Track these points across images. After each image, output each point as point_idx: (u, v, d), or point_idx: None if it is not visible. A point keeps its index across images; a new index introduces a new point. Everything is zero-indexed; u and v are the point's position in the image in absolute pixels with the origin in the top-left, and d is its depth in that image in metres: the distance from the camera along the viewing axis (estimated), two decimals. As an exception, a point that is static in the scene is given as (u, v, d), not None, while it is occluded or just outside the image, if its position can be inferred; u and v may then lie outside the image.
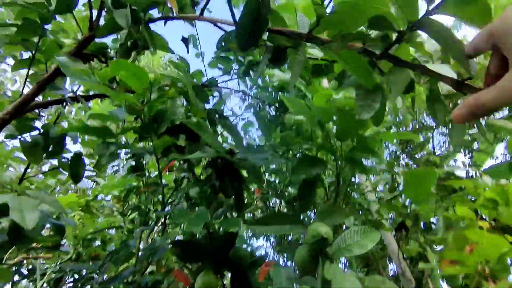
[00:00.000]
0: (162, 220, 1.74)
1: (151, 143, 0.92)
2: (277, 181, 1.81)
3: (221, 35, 1.05)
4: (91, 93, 1.39)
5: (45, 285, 2.65)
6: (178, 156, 0.84)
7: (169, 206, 1.70)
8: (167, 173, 1.82)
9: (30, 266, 2.85)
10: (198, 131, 0.81)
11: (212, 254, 0.78)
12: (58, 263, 2.38)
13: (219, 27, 1.01)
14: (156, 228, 1.97)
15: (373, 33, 0.65)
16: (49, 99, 1.31)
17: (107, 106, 1.43)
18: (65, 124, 1.67)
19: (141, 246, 1.41)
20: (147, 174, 1.76)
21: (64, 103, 1.24)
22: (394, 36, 0.58)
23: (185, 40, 1.68)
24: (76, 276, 2.92)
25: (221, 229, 0.92)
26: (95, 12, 1.18)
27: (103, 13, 1.17)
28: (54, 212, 1.24)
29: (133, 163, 1.68)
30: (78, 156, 1.42)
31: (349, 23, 0.58)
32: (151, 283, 1.10)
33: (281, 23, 0.72)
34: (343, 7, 0.55)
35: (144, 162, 1.71)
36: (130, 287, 1.03)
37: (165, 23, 1.11)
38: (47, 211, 1.15)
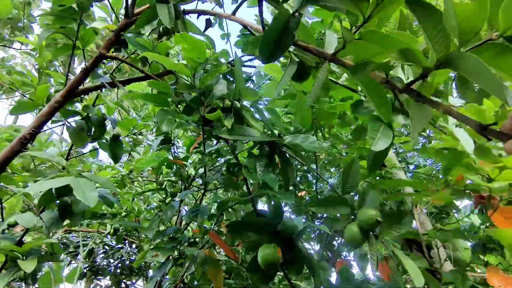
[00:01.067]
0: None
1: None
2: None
3: (248, 38, 1.06)
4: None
5: (80, 257, 2.87)
6: (227, 136, 0.90)
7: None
8: (194, 150, 1.92)
9: (65, 240, 3.06)
10: (246, 113, 0.87)
11: (263, 228, 0.87)
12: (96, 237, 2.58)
13: (249, 30, 1.03)
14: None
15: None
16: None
17: (141, 87, 1.49)
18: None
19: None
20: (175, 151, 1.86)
21: (103, 88, 1.30)
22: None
23: (208, 21, 1.70)
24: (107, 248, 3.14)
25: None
26: None
27: None
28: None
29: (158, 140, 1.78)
30: (116, 137, 1.50)
31: (375, 51, 0.57)
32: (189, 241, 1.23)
33: (310, 39, 0.71)
34: (372, 35, 0.55)
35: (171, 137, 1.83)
36: (173, 242, 1.16)
37: (198, 17, 1.14)
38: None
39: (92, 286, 3.66)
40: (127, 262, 3.20)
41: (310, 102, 0.84)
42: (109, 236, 2.90)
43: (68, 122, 1.28)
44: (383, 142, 0.64)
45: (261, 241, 0.83)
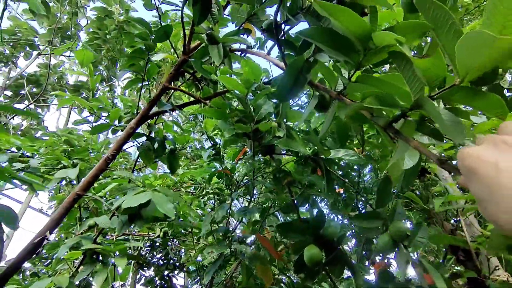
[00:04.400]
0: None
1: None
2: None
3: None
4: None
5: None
6: (283, 146, 1.07)
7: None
8: (239, 161, 2.13)
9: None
10: (292, 132, 1.06)
11: (307, 231, 1.04)
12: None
13: (280, 68, 1.20)
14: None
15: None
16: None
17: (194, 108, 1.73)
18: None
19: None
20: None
21: (165, 113, 1.53)
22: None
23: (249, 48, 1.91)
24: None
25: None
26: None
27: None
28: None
29: (212, 152, 2.02)
30: (173, 151, 1.74)
31: (365, 93, 0.66)
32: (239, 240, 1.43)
33: (330, 76, 0.82)
34: (364, 78, 0.65)
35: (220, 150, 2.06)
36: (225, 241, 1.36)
37: (241, 55, 1.34)
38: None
39: (137, 276, 4.00)
40: (171, 256, 3.50)
41: (321, 135, 0.96)
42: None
43: (138, 143, 1.53)
44: (410, 162, 0.77)
45: (306, 242, 1.00)
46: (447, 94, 0.52)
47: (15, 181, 1.26)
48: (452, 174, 0.49)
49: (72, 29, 5.53)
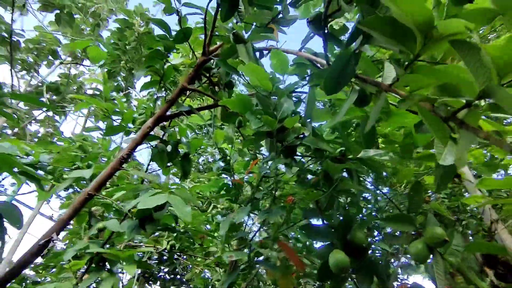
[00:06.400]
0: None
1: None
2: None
3: (314, 71, 1.22)
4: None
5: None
6: (311, 143, 1.03)
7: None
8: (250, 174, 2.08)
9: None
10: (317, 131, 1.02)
11: (334, 235, 0.98)
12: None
13: (314, 64, 1.17)
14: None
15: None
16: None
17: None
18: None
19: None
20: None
21: (182, 115, 1.50)
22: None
23: (261, 53, 1.90)
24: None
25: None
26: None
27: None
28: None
29: (222, 164, 1.99)
30: (186, 155, 1.70)
31: (426, 82, 0.64)
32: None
33: (371, 69, 0.85)
34: (422, 69, 0.63)
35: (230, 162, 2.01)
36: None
37: (266, 54, 1.32)
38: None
39: (143, 290, 3.88)
40: (178, 271, 3.40)
41: (369, 126, 0.94)
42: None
43: (151, 145, 1.49)
44: (450, 157, 0.72)
45: (332, 247, 0.94)
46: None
47: (21, 176, 1.21)
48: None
49: (96, 42, 5.65)
